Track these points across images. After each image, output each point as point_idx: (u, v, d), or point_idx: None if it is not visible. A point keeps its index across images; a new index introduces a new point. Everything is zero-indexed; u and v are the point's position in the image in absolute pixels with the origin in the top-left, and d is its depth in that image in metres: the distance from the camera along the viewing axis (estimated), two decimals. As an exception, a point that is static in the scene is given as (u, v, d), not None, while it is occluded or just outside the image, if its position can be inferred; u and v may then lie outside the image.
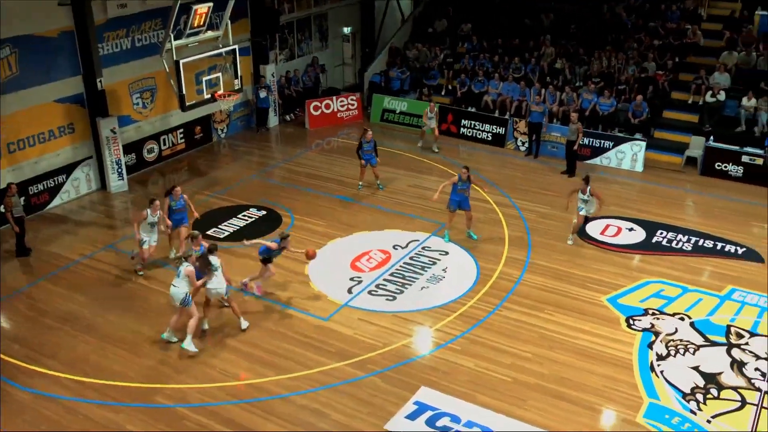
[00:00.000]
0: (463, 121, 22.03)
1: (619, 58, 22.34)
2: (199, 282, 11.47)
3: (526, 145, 20.89)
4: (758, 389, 10.78)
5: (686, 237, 15.54)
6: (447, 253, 14.75)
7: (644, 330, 12.24)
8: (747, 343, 11.90)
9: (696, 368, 11.25)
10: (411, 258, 14.54)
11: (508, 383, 10.86)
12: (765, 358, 11.47)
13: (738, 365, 11.33)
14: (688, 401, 10.51)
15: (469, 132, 21.97)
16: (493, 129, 21.59)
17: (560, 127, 20.69)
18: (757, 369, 11.22)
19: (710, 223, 16.29)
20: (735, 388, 10.80)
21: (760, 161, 18.69)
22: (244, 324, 12.09)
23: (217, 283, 11.61)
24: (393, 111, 23.28)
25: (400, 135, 22.09)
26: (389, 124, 23.11)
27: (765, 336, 12.07)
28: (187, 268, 11.22)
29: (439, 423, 9.98)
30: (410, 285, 13.55)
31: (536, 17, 25.16)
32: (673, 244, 15.30)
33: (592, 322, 12.45)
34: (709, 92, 20.48)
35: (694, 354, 11.60)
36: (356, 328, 12.23)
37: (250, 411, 10.24)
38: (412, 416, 10.12)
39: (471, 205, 15.22)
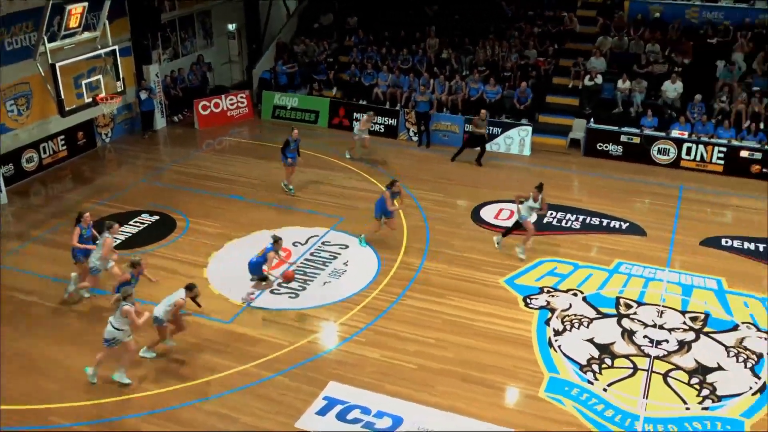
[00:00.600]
0: (355, 114, 22.10)
1: (502, 47, 23.00)
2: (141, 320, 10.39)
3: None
4: (647, 355, 11.42)
5: (574, 216, 16.24)
6: (347, 246, 14.79)
7: (541, 308, 12.71)
8: (635, 313, 12.57)
9: (590, 340, 11.79)
10: (311, 254, 14.49)
11: (414, 370, 11.02)
12: (652, 326, 12.15)
13: (628, 334, 11.95)
14: (585, 372, 11.00)
15: (362, 125, 22.08)
16: (385, 121, 21.78)
17: (450, 116, 21.14)
18: (645, 336, 11.88)
19: (595, 201, 17.09)
20: (627, 356, 11.40)
21: (637, 140, 19.75)
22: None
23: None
24: (284, 107, 23.07)
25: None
26: (281, 120, 22.89)
27: (651, 305, 12.79)
28: (124, 308, 10.16)
29: (350, 416, 10.01)
30: (312, 281, 13.51)
31: (420, 9, 25.52)
32: (563, 224, 15.96)
33: (491, 304, 12.81)
34: (587, 76, 21.42)
35: (588, 327, 12.15)
36: (260, 328, 12.09)
37: (155, 423, 9.93)
38: (322, 412, 10.10)
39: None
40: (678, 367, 11.13)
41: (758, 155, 18.69)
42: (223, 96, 23.02)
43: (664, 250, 14.74)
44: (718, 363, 11.26)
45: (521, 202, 14.19)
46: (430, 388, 10.63)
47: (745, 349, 11.60)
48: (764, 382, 10.78)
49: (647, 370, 11.07)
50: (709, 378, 10.89)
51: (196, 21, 24.55)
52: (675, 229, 15.74)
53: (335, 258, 14.36)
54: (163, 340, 11.28)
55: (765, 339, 11.84)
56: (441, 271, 13.91)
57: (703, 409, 10.26)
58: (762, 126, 19.36)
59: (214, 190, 17.45)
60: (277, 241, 12.44)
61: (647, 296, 13.10)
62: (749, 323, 12.31)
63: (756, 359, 11.34)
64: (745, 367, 11.17)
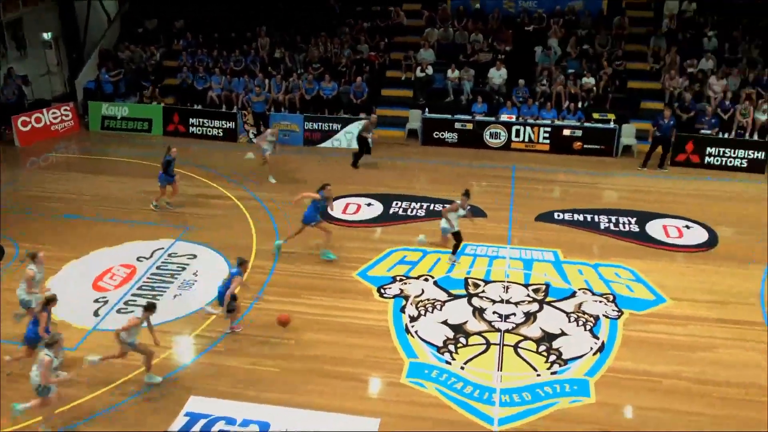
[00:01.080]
0: (191, 119, 21.48)
1: (334, 43, 23.21)
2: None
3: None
4: (498, 330, 12.00)
5: (419, 204, 16.73)
6: (195, 256, 14.36)
7: (395, 296, 13.00)
8: (483, 291, 13.17)
9: (445, 322, 12.21)
10: (158, 267, 13.93)
11: (277, 374, 10.91)
12: (500, 302, 12.78)
13: (479, 312, 12.50)
14: (442, 354, 11.38)
15: (199, 130, 21.50)
16: (223, 124, 21.34)
17: (289, 115, 21.09)
18: (494, 312, 12.47)
19: (437, 188, 17.70)
20: (479, 333, 11.92)
21: (470, 126, 20.65)
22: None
23: None
24: (114, 117, 22.01)
25: (126, 141, 20.98)
26: (112, 131, 21.81)
27: (497, 282, 13.45)
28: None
29: (215, 429, 9.75)
30: (162, 295, 13.00)
31: (249, 8, 25.17)
32: (409, 212, 16.39)
33: (347, 298, 12.93)
34: (419, 68, 22.11)
35: (441, 309, 12.57)
36: (110, 351, 11.45)
37: (0, 467, 9.17)
38: (185, 429, 9.76)
39: (217, 204, 14.89)
40: (526, 338, 11.78)
41: (579, 132, 20.15)
42: (44, 110, 21.58)
43: (503, 228, 15.53)
44: (561, 329, 12.03)
45: (453, 211, 13.88)
46: (294, 388, 10.57)
47: (584, 313, 12.48)
48: (602, 342, 11.66)
49: (499, 344, 11.64)
50: (555, 344, 11.62)
51: (6, 31, 22.79)
52: (512, 207, 16.63)
53: (184, 269, 13.90)
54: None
55: (600, 302, 12.80)
56: (294, 270, 13.85)
57: (552, 373, 10.94)
58: (580, 105, 20.89)
59: (45, 211, 16.32)
60: (243, 263, 11.79)
61: (493, 274, 13.76)
62: (585, 289, 13.26)
63: (594, 321, 12.24)
64: (585, 329, 12.03)
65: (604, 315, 12.42)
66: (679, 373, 10.95)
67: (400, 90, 22.77)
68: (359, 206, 16.68)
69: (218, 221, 15.61)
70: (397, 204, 16.70)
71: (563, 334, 11.92)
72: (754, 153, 19.16)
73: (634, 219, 16.13)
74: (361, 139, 19.28)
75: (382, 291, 13.19)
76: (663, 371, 11.00)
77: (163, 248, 14.63)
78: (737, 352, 11.46)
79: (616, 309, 12.61)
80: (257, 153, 18.44)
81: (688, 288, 13.36)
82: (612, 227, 15.80)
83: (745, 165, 19.17)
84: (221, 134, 21.33)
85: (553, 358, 11.30)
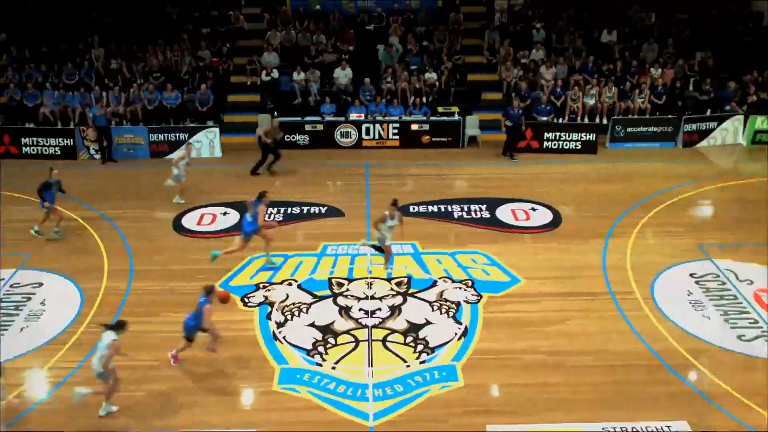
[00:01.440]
0: (23, 139, 20.09)
1: (174, 51, 22.50)
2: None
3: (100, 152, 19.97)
4: (365, 326, 12.15)
5: (276, 209, 16.56)
6: (41, 284, 13.46)
7: (260, 304, 12.82)
8: (348, 290, 13.27)
9: (312, 324, 12.20)
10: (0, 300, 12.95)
11: (143, 397, 10.46)
12: (365, 298, 12.94)
13: (345, 311, 12.59)
14: (312, 356, 11.36)
15: (34, 149, 20.17)
16: (60, 142, 20.12)
17: (132, 128, 20.24)
18: (360, 309, 12.61)
19: (293, 191, 17.64)
20: (348, 332, 12.00)
21: (320, 127, 20.72)
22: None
23: None
24: (-67, 142, 20.18)
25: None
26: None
27: (361, 279, 13.60)
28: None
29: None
30: (7, 330, 12.08)
31: (79, 19, 23.87)
32: (267, 218, 16.17)
33: (210, 311, 12.59)
34: (264, 72, 21.90)
35: (307, 312, 12.55)
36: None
37: None
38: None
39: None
40: (393, 331, 12.00)
41: (426, 126, 20.76)
42: None
43: (362, 225, 15.72)
44: (426, 319, 12.36)
45: (382, 222, 13.50)
46: (163, 410, 10.18)
47: (446, 300, 12.90)
48: (465, 326, 12.10)
49: (368, 341, 11.78)
50: (421, 334, 11.92)
51: None
52: (368, 204, 16.86)
53: (29, 299, 12.99)
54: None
55: (460, 288, 13.27)
56: (151, 288, 13.32)
57: (421, 363, 11.21)
58: (425, 100, 21.51)
59: None
60: (210, 291, 10.90)
61: (356, 272, 13.89)
62: (445, 277, 13.70)
63: (456, 308, 12.67)
64: (448, 317, 12.43)
65: (464, 300, 12.89)
66: (537, 347, 11.57)
67: (247, 95, 22.46)
68: (215, 216, 16.31)
69: (65, 245, 14.73)
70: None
71: (428, 323, 12.24)
72: (586, 135, 20.54)
73: (485, 206, 16.84)
74: (264, 146, 18.84)
75: (246, 300, 12.97)
76: (522, 347, 11.58)
77: (3, 279, 13.59)
78: (586, 323, 12.26)
79: (476, 293, 13.12)
80: (175, 179, 16.99)
81: (539, 267, 14.13)
82: (465, 215, 16.41)
83: (579, 147, 20.51)
84: (59, 152, 20.10)
85: (420, 347, 11.58)
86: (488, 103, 22.31)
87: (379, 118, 20.90)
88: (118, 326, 10.02)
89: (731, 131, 21.38)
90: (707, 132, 21.21)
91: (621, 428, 9.82)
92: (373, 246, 13.99)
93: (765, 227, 15.58)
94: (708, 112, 21.37)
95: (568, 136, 20.55)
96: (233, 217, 16.20)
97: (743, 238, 15.27)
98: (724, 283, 13.51)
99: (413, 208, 16.64)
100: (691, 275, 13.84)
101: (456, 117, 20.98)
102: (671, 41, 23.71)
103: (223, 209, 16.62)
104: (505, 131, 20.10)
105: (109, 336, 9.87)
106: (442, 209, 16.70)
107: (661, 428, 9.83)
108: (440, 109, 21.28)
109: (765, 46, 24.10)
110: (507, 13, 24.72)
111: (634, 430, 9.80)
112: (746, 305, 12.83)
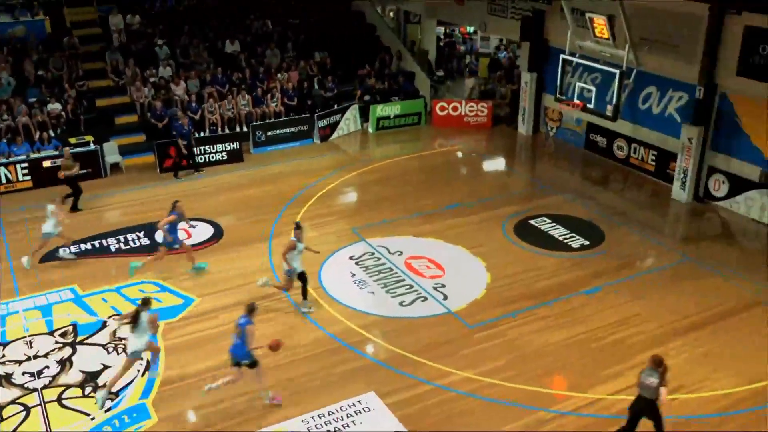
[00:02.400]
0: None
1: None
2: None
3: None
4: (34, 389, 10.94)
5: None
6: None
7: None
8: (4, 355, 11.80)
9: (-32, 405, 10.63)
10: None
11: None
12: (27, 360, 11.63)
13: (5, 379, 11.18)
14: (-23, 440, 9.93)
15: None
16: None
17: None
18: (25, 373, 11.31)
19: None
20: (13, 402, 10.68)
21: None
22: None
23: None
24: None
25: None
26: None
27: (17, 340, 12.17)
28: None
29: None
30: None
31: None
32: None
33: None
34: None
35: (-41, 393, 10.89)
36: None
37: None
38: None
39: None
40: (68, 386, 11.01)
41: (59, 161, 19.04)
42: None
43: (8, 280, 14.08)
44: (102, 363, 11.55)
45: (292, 249, 12.61)
46: None
47: (120, 339, 12.16)
48: (147, 360, 11.56)
49: (40, 405, 10.63)
50: (101, 380, 11.11)
51: None
52: (9, 257, 15.09)
53: None
54: None
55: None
56: None
57: (107, 411, 10.46)
58: (53, 133, 19.86)
59: None
60: (252, 310, 10.29)
61: (9, 334, 12.39)
62: (114, 315, 12.90)
63: (133, 344, 12.03)
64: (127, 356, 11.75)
65: (141, 334, 12.29)
66: (226, 361, 11.51)
67: None
68: None
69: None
70: None
71: (106, 367, 11.46)
72: (230, 145, 20.82)
73: (143, 232, 16.21)
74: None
75: None
76: (211, 365, 11.46)
77: None
78: (268, 325, 12.49)
79: (151, 324, 12.60)
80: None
81: (211, 282, 14.08)
82: (123, 246, 15.62)
83: (226, 157, 20.75)
84: None
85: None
86: (124, 126, 21.41)
87: (3, 159, 18.76)
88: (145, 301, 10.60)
89: (352, 120, 23.50)
90: (336, 125, 23.02)
91: (319, 415, 10.30)
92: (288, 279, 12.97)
93: (401, 203, 17.53)
94: (335, 107, 23.17)
95: (214, 148, 20.65)
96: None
97: (385, 215, 16.96)
98: (379, 259, 14.86)
99: (63, 251, 15.27)
100: (351, 258, 14.97)
101: (92, 146, 19.72)
102: (290, 45, 25.14)
103: None
104: (178, 150, 19.59)
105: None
106: (97, 245, 15.67)
107: (353, 404, 10.53)
108: (72, 141, 19.78)
109: (371, 41, 26.92)
110: (125, 32, 23.90)
111: (330, 413, 10.35)
112: (401, 274, 14.30)
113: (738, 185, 17.20)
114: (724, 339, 12.24)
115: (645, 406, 9.29)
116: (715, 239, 16.36)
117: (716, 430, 10.15)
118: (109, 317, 12.83)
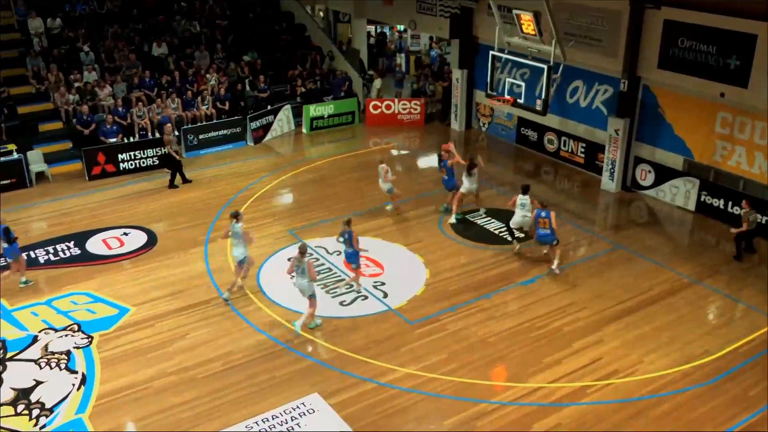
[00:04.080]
0: None
1: None
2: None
3: None
4: (-37, 410, 10.51)
5: None
6: None
7: None
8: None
9: None
10: None
11: None
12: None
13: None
14: None
15: None
16: None
17: None
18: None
19: None
20: (-59, 424, 10.26)
21: None
22: None
23: None
24: None
25: None
26: None
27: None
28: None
29: None
30: None
31: None
32: None
33: None
34: None
35: None
36: None
37: None
38: None
39: None
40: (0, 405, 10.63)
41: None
42: None
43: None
44: (35, 379, 11.15)
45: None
46: None
47: (53, 353, 11.78)
48: (82, 373, 11.24)
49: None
50: (33, 397, 10.74)
51: None
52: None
53: None
54: None
55: (65, 336, 12.23)
56: None
57: (42, 428, 10.13)
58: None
59: None
60: (348, 222, 13.21)
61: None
62: (46, 329, 12.49)
63: (67, 357, 11.66)
64: (60, 369, 11.40)
65: (74, 347, 11.95)
66: (164, 370, 11.33)
67: None
68: None
69: None
70: None
71: (39, 383, 11.08)
72: (161, 150, 20.38)
73: (72, 242, 15.73)
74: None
75: None
76: (149, 375, 11.23)
77: None
78: (206, 331, 12.37)
79: (85, 336, 12.26)
80: None
81: (146, 290, 13.77)
82: (52, 257, 15.13)
83: (157, 162, 20.26)
84: None
85: (36, 412, 10.44)
86: (49, 134, 20.71)
87: None
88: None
89: (285, 121, 23.32)
90: (269, 126, 22.80)
91: (263, 420, 10.20)
92: None
93: (337, 202, 17.51)
94: (269, 108, 22.95)
95: (144, 153, 20.16)
96: None
97: (322, 216, 16.91)
98: (318, 259, 14.80)
99: (-11, 264, 14.74)
100: (289, 259, 14.83)
101: (15, 155, 19.02)
102: (219, 47, 24.78)
103: None
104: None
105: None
106: (24, 257, 15.11)
107: (297, 406, 10.48)
108: (-6, 150, 19.08)
109: (302, 41, 26.77)
110: (46, 36, 23.12)
111: (274, 417, 10.26)
112: (340, 274, 14.28)
113: (663, 174, 17.83)
114: (656, 323, 12.66)
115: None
116: (644, 227, 16.88)
117: (648, 411, 10.49)
118: (40, 331, 12.41)
